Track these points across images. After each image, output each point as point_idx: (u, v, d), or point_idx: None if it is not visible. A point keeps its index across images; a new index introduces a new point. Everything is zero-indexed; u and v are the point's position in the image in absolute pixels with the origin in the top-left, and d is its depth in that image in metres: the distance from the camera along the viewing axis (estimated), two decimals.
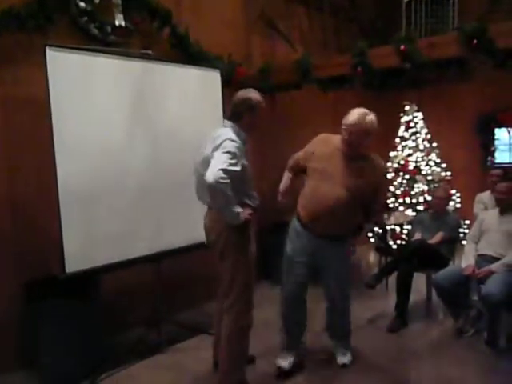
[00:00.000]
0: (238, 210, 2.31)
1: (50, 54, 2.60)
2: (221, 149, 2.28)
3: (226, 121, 2.52)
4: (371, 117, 2.54)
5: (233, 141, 2.32)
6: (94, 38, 3.26)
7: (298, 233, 2.79)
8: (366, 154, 2.66)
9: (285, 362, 2.87)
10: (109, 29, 3.33)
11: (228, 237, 2.42)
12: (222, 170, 2.19)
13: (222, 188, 2.18)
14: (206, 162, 2.32)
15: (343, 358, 2.95)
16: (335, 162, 2.64)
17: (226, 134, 2.36)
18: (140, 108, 3.04)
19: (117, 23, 3.37)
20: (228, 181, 2.20)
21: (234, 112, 2.47)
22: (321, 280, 2.86)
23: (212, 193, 2.24)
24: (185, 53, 3.80)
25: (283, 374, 2.83)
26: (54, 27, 3.04)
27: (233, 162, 2.25)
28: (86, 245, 2.78)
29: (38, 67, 2.67)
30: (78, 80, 2.74)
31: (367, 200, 2.66)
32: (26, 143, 3.00)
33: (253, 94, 2.48)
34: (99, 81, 2.84)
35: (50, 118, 2.61)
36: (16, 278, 2.95)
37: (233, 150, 2.28)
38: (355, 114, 2.52)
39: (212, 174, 2.18)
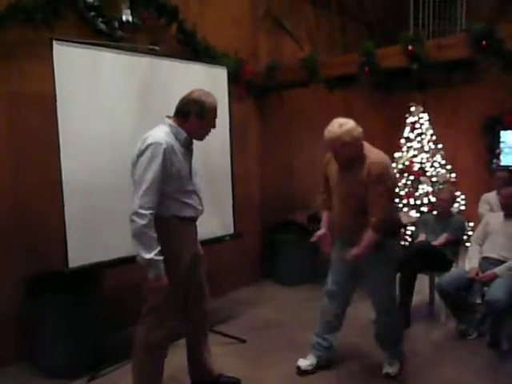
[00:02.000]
0: (155, 258, 2.07)
1: (57, 48, 2.59)
2: (139, 171, 2.11)
3: (166, 118, 2.29)
4: (346, 127, 2.43)
5: (160, 144, 2.11)
6: (101, 32, 3.26)
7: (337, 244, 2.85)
8: (361, 156, 2.52)
9: (303, 362, 2.89)
10: (116, 24, 3.33)
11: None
12: (136, 213, 2.06)
13: (132, 230, 2.07)
14: (133, 166, 2.19)
15: (387, 368, 2.81)
16: (336, 176, 2.65)
17: (154, 137, 2.14)
18: (146, 104, 3.03)
19: (124, 18, 3.36)
20: (145, 220, 2.05)
21: (181, 110, 2.25)
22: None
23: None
24: (192, 49, 3.80)
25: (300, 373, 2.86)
26: (61, 22, 3.04)
27: (150, 187, 2.08)
28: (89, 240, 2.77)
29: (44, 62, 2.66)
30: (85, 75, 2.73)
31: (366, 201, 2.52)
32: (31, 138, 3.00)
33: (209, 101, 2.25)
34: (106, 76, 2.83)
35: (56, 113, 2.60)
36: (18, 272, 2.95)
37: (151, 166, 2.09)
38: (329, 130, 2.47)
39: (131, 214, 2.07)
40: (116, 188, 2.88)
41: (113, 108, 2.87)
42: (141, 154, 2.13)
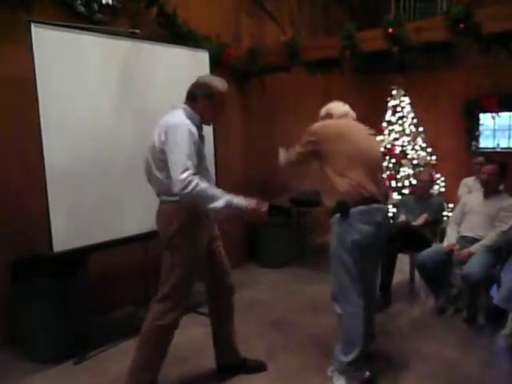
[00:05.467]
0: (230, 201, 2.13)
1: (35, 30, 2.55)
2: (174, 144, 2.11)
3: (176, 103, 2.32)
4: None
5: (183, 124, 2.16)
6: (80, 15, 3.21)
7: None
8: None
9: None
10: (95, 6, 3.27)
11: (173, 228, 2.23)
12: (184, 176, 2.04)
13: (193, 194, 2.06)
14: (153, 151, 2.23)
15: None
16: None
17: (175, 119, 2.19)
18: (127, 88, 3.02)
19: (104, 1, 3.30)
20: (195, 182, 2.05)
21: (190, 93, 2.30)
22: None
23: (189, 199, 2.12)
24: (173, 32, 3.76)
25: None
26: (39, 4, 2.98)
27: (190, 154, 2.10)
28: (73, 224, 2.78)
29: (23, 45, 2.62)
30: (65, 58, 2.70)
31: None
32: (12, 122, 2.96)
33: (215, 83, 2.28)
34: (86, 59, 2.81)
35: (37, 97, 2.58)
36: (3, 258, 2.94)
37: (185, 139, 2.11)
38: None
39: (177, 183, 2.05)
40: (99, 171, 2.89)
41: (94, 92, 2.85)
42: (167, 136, 2.14)
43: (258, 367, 2.73)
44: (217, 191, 2.15)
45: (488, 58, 3.66)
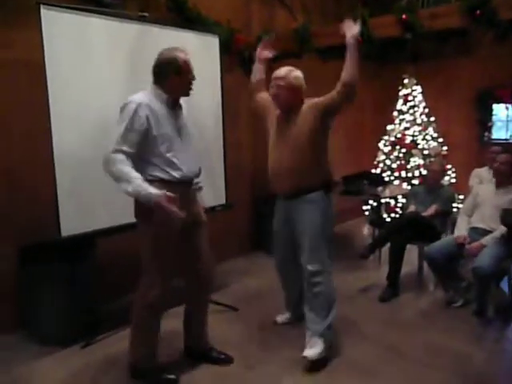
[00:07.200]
0: (139, 188, 2.08)
1: (45, 12, 2.53)
2: (118, 122, 2.18)
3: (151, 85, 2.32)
4: (295, 72, 2.65)
5: (132, 102, 2.17)
6: None
7: (276, 202, 2.88)
8: (299, 106, 2.64)
9: (280, 317, 3.16)
10: None
11: (139, 205, 2.21)
12: (110, 154, 2.12)
13: (109, 170, 2.14)
14: None
15: (308, 350, 2.61)
16: (277, 128, 2.72)
17: (130, 98, 2.21)
18: (136, 72, 2.98)
19: None
20: (116, 160, 2.11)
21: (157, 73, 2.27)
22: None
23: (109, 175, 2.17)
24: (182, 17, 3.72)
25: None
26: None
27: (127, 136, 2.14)
28: (82, 208, 2.77)
29: (32, 28, 2.60)
30: (74, 41, 2.68)
31: (314, 138, 2.57)
32: (21, 107, 2.96)
33: (179, 55, 2.25)
34: (95, 43, 2.78)
35: (45, 81, 2.56)
36: (12, 242, 2.96)
37: (127, 119, 2.15)
38: (278, 71, 2.65)
39: (104, 154, 2.14)
40: None
41: (102, 76, 2.83)
42: (119, 114, 2.20)
43: (222, 360, 2.65)
44: (133, 176, 2.09)
45: (502, 47, 3.58)
